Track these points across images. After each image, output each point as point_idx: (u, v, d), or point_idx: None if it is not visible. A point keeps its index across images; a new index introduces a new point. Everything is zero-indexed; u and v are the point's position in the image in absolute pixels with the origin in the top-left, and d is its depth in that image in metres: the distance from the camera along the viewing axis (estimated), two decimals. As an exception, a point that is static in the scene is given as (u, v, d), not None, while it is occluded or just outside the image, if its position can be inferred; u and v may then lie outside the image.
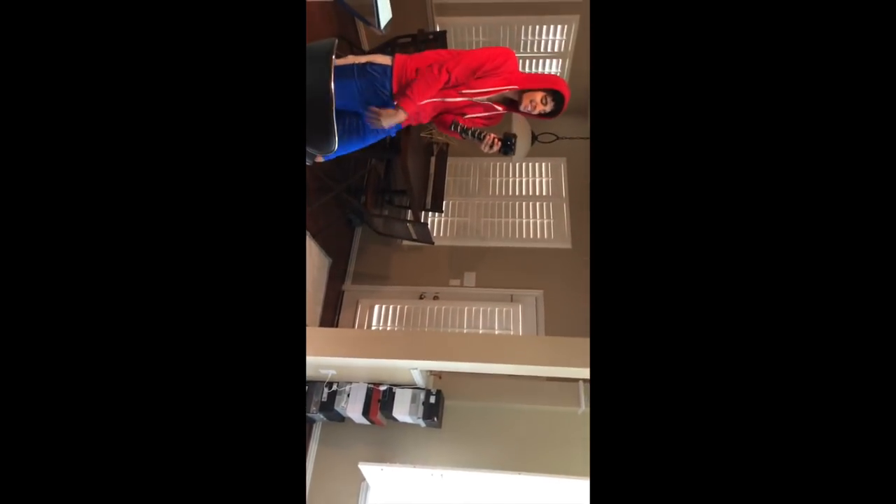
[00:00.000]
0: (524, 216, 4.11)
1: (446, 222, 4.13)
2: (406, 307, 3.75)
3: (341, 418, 2.98)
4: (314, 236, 3.32)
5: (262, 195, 0.73)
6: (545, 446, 2.88)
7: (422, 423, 2.90)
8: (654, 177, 0.71)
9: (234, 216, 0.72)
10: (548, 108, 1.77)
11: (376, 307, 3.78)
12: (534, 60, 4.21)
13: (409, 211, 3.79)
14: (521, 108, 1.79)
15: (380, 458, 2.88)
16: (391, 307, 3.77)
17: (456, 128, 1.81)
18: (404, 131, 3.22)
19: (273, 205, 0.73)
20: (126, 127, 0.69)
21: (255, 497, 0.68)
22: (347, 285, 3.88)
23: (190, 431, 0.68)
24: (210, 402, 0.69)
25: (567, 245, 3.93)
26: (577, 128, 4.21)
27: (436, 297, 3.77)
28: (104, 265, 0.67)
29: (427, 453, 2.93)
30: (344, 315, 3.76)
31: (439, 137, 3.74)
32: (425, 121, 1.88)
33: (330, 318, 3.66)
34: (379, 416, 2.89)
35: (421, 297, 3.78)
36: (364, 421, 2.95)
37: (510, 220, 4.09)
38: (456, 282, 3.83)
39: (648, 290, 0.70)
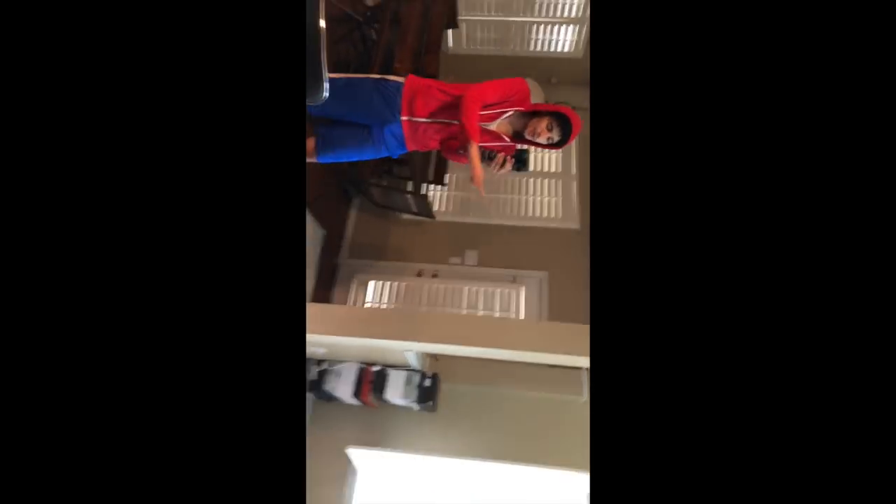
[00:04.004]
0: (531, 193, 3.90)
1: (448, 196, 3.91)
2: (403, 284, 3.58)
3: (330, 398, 2.84)
4: (308, 206, 3.13)
5: (260, 150, 0.67)
6: (545, 435, 2.74)
7: (415, 406, 2.76)
8: (660, 157, 0.66)
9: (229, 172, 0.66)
10: (554, 137, 1.70)
11: (371, 283, 3.61)
12: (548, 26, 3.94)
13: (410, 182, 3.57)
14: (526, 134, 1.74)
15: (369, 441, 2.74)
16: (387, 284, 3.60)
17: (463, 150, 1.72)
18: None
19: (271, 160, 0.67)
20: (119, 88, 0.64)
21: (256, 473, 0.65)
22: (342, 259, 3.70)
23: (188, 407, 0.64)
24: (211, 384, 0.65)
25: (576, 225, 3.73)
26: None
27: (435, 275, 3.59)
28: (96, 237, 0.64)
29: (420, 439, 2.79)
30: (338, 290, 3.59)
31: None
32: (432, 146, 1.84)
33: (323, 292, 3.49)
34: (370, 398, 2.75)
35: (419, 275, 3.60)
36: (354, 402, 2.81)
37: (516, 197, 3.88)
38: (456, 260, 3.64)
39: (651, 277, 0.66)
